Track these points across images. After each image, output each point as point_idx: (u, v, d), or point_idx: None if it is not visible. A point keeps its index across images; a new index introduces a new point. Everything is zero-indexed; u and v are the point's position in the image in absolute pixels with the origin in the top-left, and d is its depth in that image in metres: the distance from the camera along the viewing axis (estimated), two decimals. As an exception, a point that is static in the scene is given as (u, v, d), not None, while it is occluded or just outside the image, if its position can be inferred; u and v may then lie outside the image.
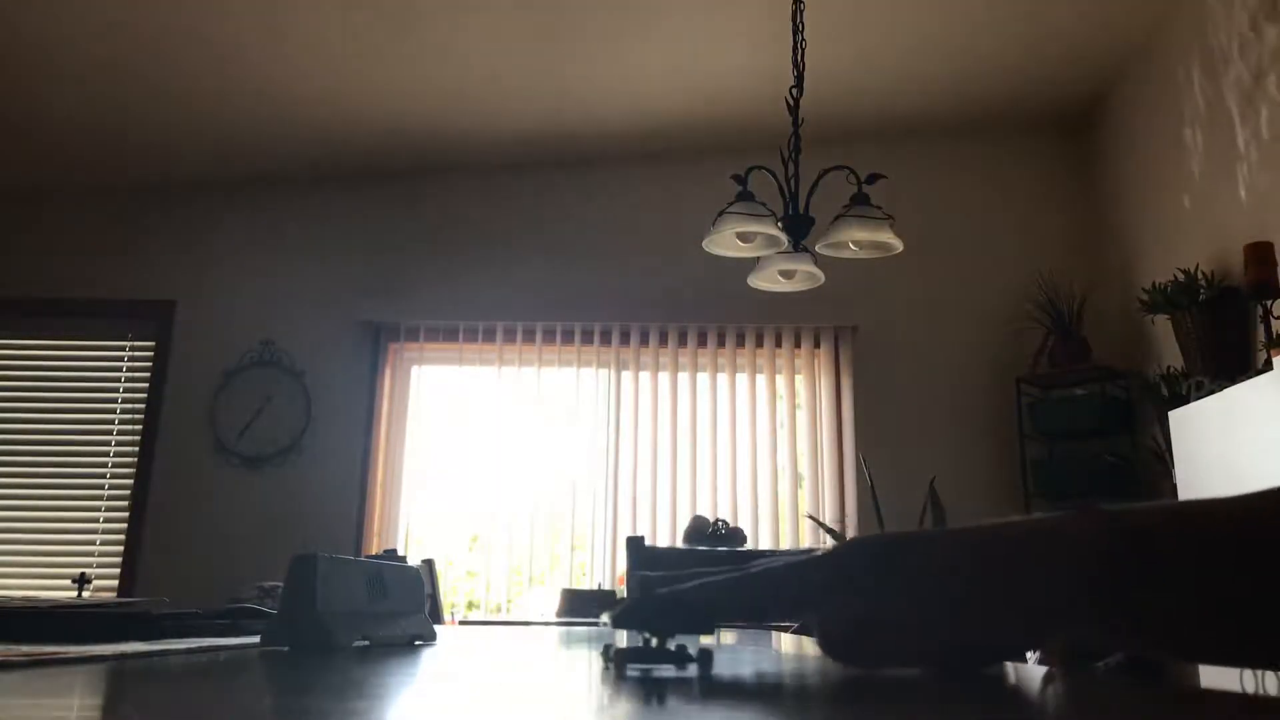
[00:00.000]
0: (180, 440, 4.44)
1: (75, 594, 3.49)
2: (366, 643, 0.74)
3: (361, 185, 4.72)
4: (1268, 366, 2.84)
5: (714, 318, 4.47)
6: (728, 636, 1.01)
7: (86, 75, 3.91)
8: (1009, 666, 0.55)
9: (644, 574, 0.55)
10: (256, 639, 0.75)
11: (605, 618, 0.55)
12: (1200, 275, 3.40)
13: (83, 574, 3.52)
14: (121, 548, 4.34)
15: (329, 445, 4.42)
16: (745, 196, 2.71)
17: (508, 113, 4.31)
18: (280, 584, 0.72)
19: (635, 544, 2.64)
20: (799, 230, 2.81)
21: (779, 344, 4.49)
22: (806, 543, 4.23)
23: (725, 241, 2.78)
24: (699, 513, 4.17)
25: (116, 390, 4.57)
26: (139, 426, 4.48)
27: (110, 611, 0.88)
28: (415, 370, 4.60)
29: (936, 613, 0.47)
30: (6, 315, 4.62)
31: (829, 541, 3.99)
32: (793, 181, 2.85)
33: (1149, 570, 0.44)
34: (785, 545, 4.23)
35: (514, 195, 4.71)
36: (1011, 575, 0.46)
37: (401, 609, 0.84)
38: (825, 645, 0.49)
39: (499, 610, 4.25)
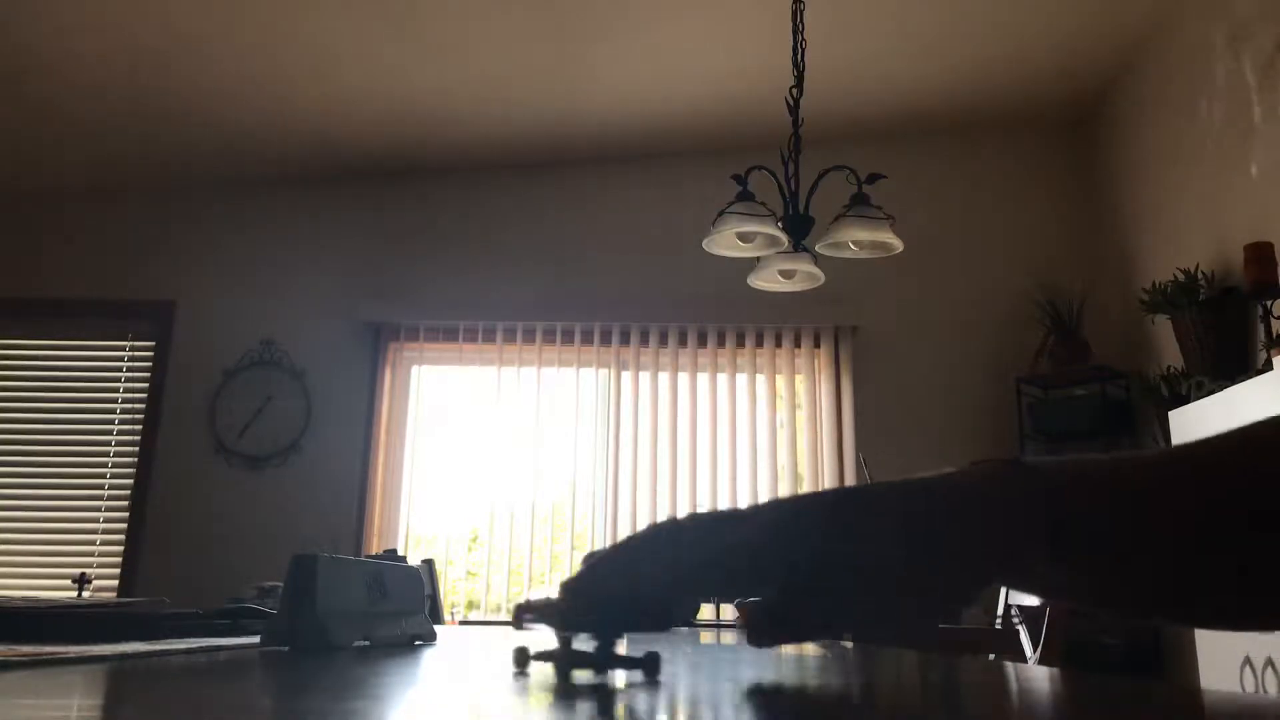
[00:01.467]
0: (180, 440, 4.44)
1: (75, 594, 3.49)
2: (366, 643, 0.74)
3: (361, 185, 4.72)
4: (1268, 366, 2.84)
5: (714, 318, 4.46)
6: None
7: (87, 76, 3.91)
8: (1010, 666, 0.55)
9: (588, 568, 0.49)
10: (256, 639, 0.75)
11: (532, 617, 0.47)
12: (1200, 275, 3.40)
13: (83, 574, 3.52)
14: (121, 548, 4.34)
15: (329, 445, 4.42)
16: (745, 196, 2.71)
17: (508, 112, 4.31)
18: (280, 584, 0.72)
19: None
20: (799, 230, 2.81)
21: (779, 344, 4.49)
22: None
23: (725, 241, 2.78)
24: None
25: (116, 390, 4.56)
26: (139, 426, 4.48)
27: (110, 611, 0.87)
28: (415, 370, 4.60)
29: (869, 568, 0.46)
30: (6, 315, 4.62)
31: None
32: (793, 181, 2.85)
33: (1062, 525, 0.45)
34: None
35: (514, 195, 4.70)
36: (934, 528, 0.46)
37: (401, 609, 0.84)
38: (758, 621, 0.46)
39: (499, 610, 4.24)
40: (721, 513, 0.50)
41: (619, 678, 0.45)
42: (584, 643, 0.45)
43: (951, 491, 0.47)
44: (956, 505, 0.46)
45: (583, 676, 0.45)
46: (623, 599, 0.45)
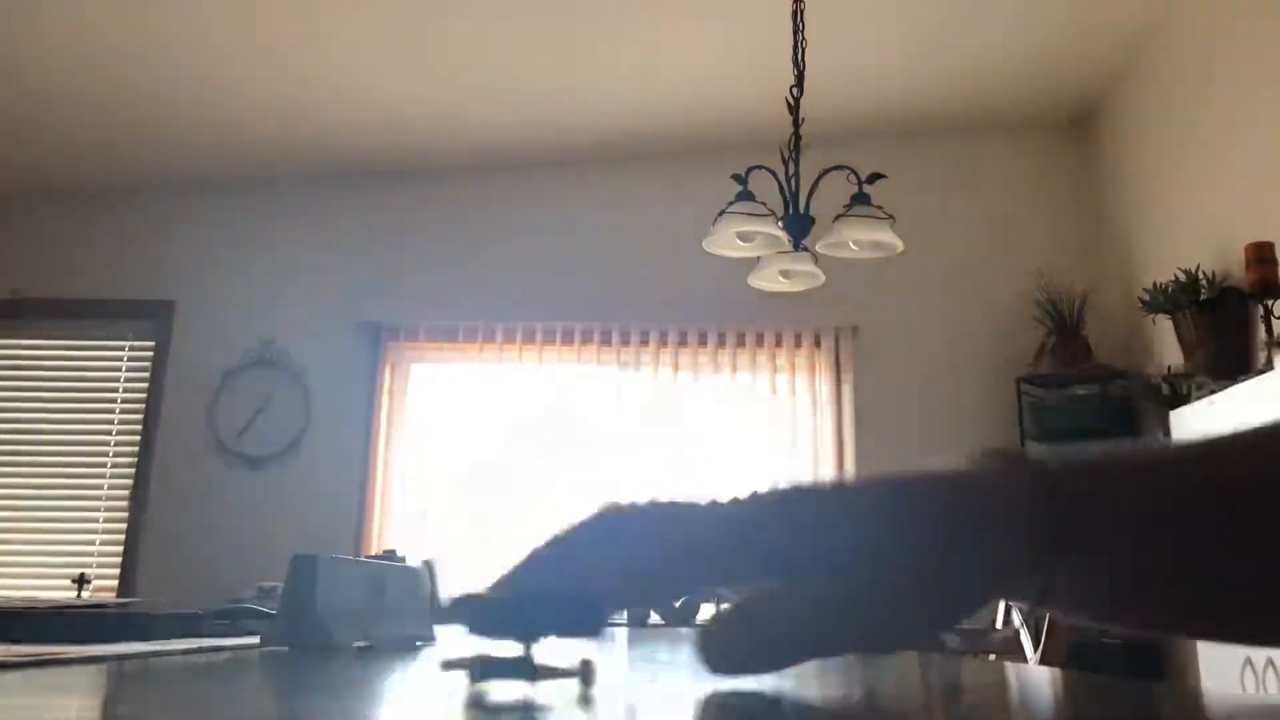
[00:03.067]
0: (180, 440, 4.44)
1: (75, 594, 3.48)
2: (366, 643, 0.74)
3: (361, 185, 4.72)
4: (1269, 366, 2.84)
5: (714, 318, 4.46)
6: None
7: (86, 76, 3.90)
8: (1010, 666, 0.55)
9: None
10: (256, 639, 0.74)
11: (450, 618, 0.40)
12: (1201, 275, 3.40)
13: (83, 574, 3.51)
14: (121, 548, 4.34)
15: (329, 445, 4.42)
16: (745, 196, 2.71)
17: (508, 112, 4.31)
18: (280, 584, 0.72)
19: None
20: (799, 230, 2.81)
21: (779, 344, 4.49)
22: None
23: (725, 241, 2.78)
24: (699, 513, 4.16)
25: (116, 390, 4.56)
26: (139, 426, 4.48)
27: (110, 611, 0.88)
28: (415, 370, 4.60)
29: (857, 582, 0.38)
30: (7, 315, 4.62)
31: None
32: (793, 181, 2.85)
33: (1098, 534, 0.39)
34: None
35: (514, 195, 4.70)
36: (937, 533, 0.38)
37: (401, 609, 0.84)
38: (715, 646, 0.38)
39: (499, 610, 4.24)
40: (673, 504, 0.42)
41: (547, 689, 0.37)
42: (505, 647, 0.37)
43: (963, 488, 0.40)
44: (970, 504, 0.39)
45: (502, 688, 0.37)
46: (551, 599, 0.38)
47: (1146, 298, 3.56)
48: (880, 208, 2.68)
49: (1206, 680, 2.66)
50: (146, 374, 4.55)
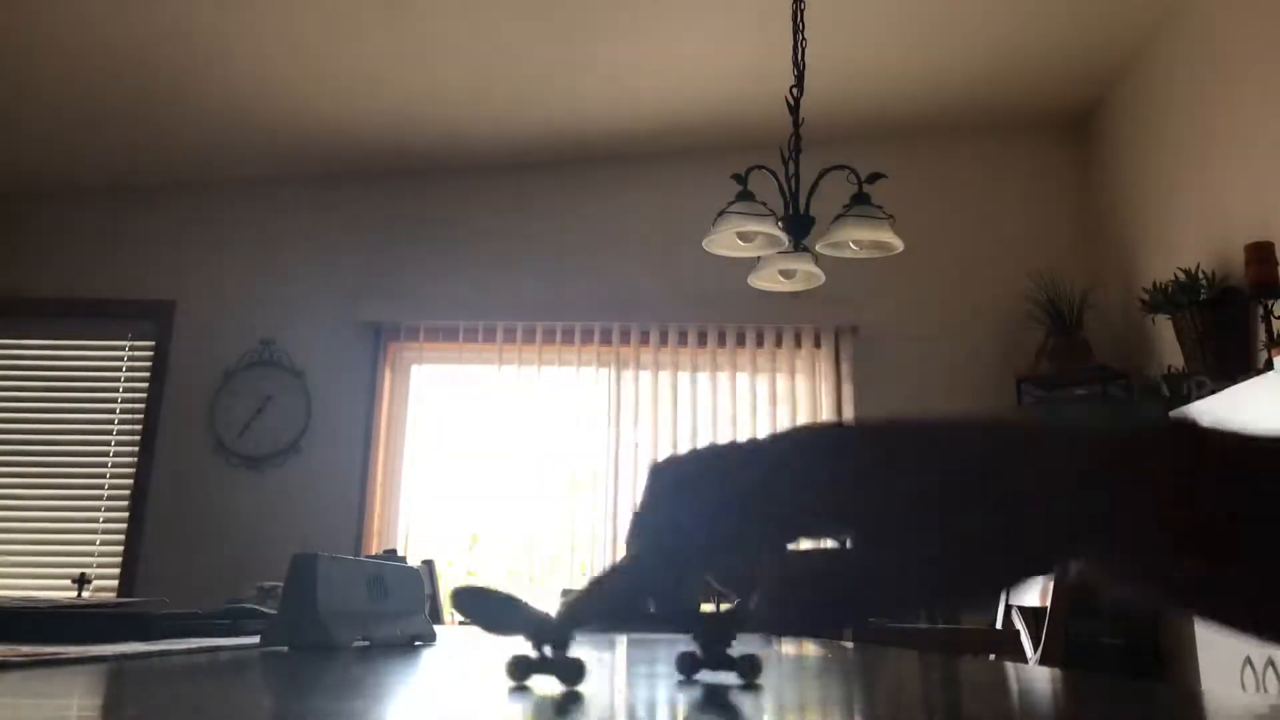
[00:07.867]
0: (180, 440, 4.44)
1: (75, 594, 3.48)
2: (366, 643, 0.74)
3: (361, 185, 4.72)
4: (1269, 366, 2.84)
5: (714, 318, 4.46)
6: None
7: (85, 76, 3.90)
8: (1010, 666, 0.55)
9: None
10: (256, 639, 0.74)
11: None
12: (1201, 275, 3.40)
13: (83, 574, 3.51)
14: (121, 548, 4.33)
15: (329, 445, 4.42)
16: (745, 196, 2.71)
17: (508, 112, 4.31)
18: (280, 584, 0.72)
19: (635, 544, 2.64)
20: (799, 230, 2.81)
21: (779, 344, 4.49)
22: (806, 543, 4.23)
23: (725, 241, 2.78)
24: (699, 513, 4.16)
25: (116, 390, 4.56)
26: (139, 426, 4.48)
27: (110, 611, 0.88)
28: (415, 370, 4.60)
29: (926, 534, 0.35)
30: (7, 315, 4.62)
31: (829, 543, 3.99)
32: (793, 181, 2.85)
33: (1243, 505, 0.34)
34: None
35: (514, 195, 4.70)
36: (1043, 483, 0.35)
37: (401, 609, 0.84)
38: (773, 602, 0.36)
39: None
40: (722, 455, 0.39)
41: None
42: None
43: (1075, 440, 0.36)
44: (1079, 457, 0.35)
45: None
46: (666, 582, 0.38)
47: (1146, 298, 3.56)
48: (880, 208, 2.68)
49: (1206, 680, 2.66)
50: (146, 374, 4.55)
